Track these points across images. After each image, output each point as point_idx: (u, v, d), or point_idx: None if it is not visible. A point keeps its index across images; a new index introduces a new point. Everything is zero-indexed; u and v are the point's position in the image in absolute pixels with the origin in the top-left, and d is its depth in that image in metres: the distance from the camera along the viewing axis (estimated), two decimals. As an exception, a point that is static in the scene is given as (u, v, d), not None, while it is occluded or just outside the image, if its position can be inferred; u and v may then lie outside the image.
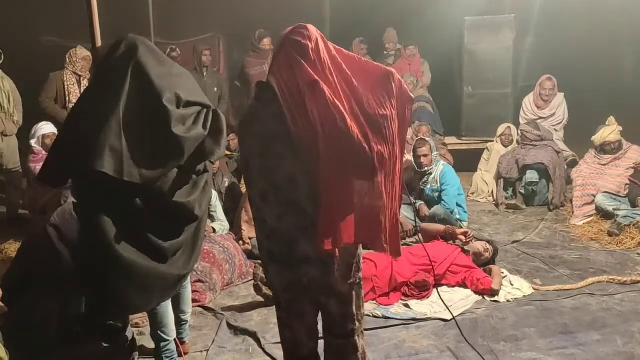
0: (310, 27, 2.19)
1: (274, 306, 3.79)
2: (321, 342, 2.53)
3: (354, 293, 2.39)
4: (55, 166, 2.44)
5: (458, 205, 5.44)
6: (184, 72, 2.63)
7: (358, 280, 2.40)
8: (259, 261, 4.60)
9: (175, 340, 3.11)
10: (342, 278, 2.32)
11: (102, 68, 2.46)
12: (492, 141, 6.97)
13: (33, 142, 5.25)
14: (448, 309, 3.20)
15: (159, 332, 3.03)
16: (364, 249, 2.42)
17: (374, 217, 2.22)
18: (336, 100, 2.09)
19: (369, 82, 2.21)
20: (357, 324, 2.44)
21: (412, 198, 5.17)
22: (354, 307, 2.40)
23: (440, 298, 3.03)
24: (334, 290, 2.34)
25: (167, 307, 3.05)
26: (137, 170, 2.24)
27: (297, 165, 2.17)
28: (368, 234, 2.25)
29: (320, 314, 2.49)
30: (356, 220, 2.19)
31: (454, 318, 3.34)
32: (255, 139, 2.26)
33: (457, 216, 5.35)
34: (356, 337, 2.44)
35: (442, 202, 5.34)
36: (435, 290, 3.96)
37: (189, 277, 3.26)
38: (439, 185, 5.44)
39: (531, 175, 6.15)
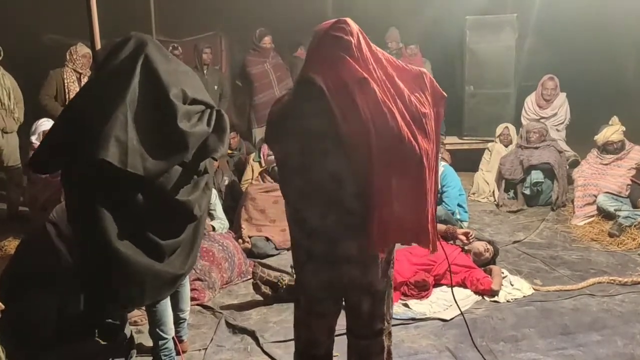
0: (350, 21, 2.16)
1: (273, 305, 3.85)
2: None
3: (388, 291, 2.39)
4: (48, 154, 2.43)
5: (459, 205, 5.43)
6: (190, 70, 2.65)
7: (391, 278, 2.41)
8: (258, 260, 4.62)
9: (173, 338, 3.10)
10: (380, 276, 2.31)
11: (109, 62, 2.45)
12: (494, 141, 6.96)
13: (34, 138, 5.24)
14: (457, 304, 3.08)
15: (157, 330, 3.03)
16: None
17: (421, 214, 2.20)
18: (385, 98, 2.07)
19: (405, 80, 2.19)
20: (386, 323, 2.42)
21: None
22: (385, 307, 2.39)
23: (454, 297, 2.94)
24: (371, 289, 2.32)
25: (166, 304, 3.04)
26: (141, 162, 2.24)
27: (343, 163, 2.13)
28: (415, 231, 2.23)
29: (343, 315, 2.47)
30: (405, 218, 2.17)
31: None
32: (295, 136, 2.20)
33: (458, 216, 5.34)
34: (383, 337, 2.42)
35: (443, 203, 5.32)
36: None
37: (187, 276, 3.26)
38: (440, 186, 5.43)
39: (537, 176, 6.15)
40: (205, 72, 6.81)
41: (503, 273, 4.23)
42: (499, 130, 6.89)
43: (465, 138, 7.71)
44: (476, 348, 3.24)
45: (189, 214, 2.45)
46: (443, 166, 5.52)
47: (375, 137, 2.05)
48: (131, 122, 2.24)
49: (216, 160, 2.64)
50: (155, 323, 3.02)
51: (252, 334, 3.52)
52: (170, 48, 6.75)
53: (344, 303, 2.45)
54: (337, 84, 2.09)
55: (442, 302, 3.86)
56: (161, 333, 3.03)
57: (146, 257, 2.35)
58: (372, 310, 2.36)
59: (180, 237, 2.47)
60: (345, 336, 2.51)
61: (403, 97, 2.13)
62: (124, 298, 2.47)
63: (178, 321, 3.25)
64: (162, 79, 2.34)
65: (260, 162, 5.89)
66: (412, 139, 2.09)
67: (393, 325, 3.50)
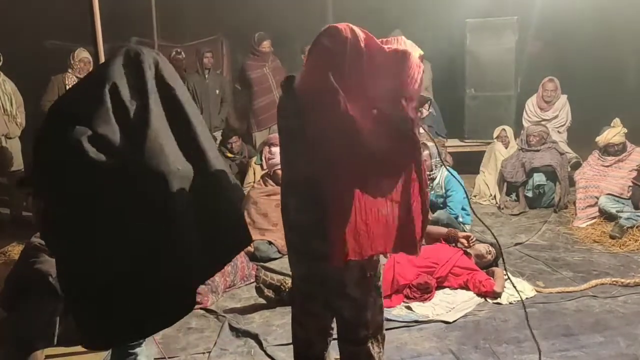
0: (342, 27, 2.15)
1: (276, 308, 3.85)
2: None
3: (369, 300, 2.39)
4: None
5: (462, 208, 5.43)
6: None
7: (375, 288, 2.40)
8: (261, 263, 4.64)
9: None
10: (355, 283, 2.33)
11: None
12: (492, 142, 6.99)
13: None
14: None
15: None
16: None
17: (390, 225, 2.22)
18: (352, 109, 2.07)
19: (387, 76, 2.15)
20: (371, 331, 2.42)
21: None
22: (369, 314, 2.39)
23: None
24: (347, 295, 2.34)
25: None
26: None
27: (313, 165, 2.17)
28: (381, 242, 2.24)
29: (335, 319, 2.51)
30: (370, 230, 2.19)
31: (458, 318, 3.29)
32: (282, 132, 2.35)
33: (461, 219, 5.33)
34: (369, 345, 2.43)
35: (447, 207, 5.33)
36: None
37: None
38: (443, 191, 5.43)
39: (539, 178, 6.18)
40: (206, 76, 6.83)
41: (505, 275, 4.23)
42: (496, 132, 6.94)
43: (466, 140, 7.73)
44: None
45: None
46: (446, 170, 5.52)
47: (336, 146, 2.09)
48: None
49: None
50: None
51: (255, 337, 3.53)
52: (174, 53, 6.81)
53: None
54: (310, 88, 2.16)
55: (444, 305, 3.86)
56: None
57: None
58: (354, 317, 2.39)
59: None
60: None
61: (379, 104, 2.11)
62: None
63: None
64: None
65: (261, 165, 5.90)
66: (382, 148, 2.09)
67: (395, 328, 3.56)
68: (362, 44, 2.13)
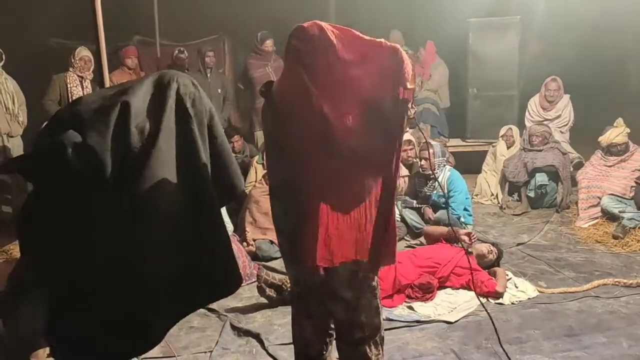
0: (308, 26, 2.15)
1: (278, 308, 3.85)
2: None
3: (363, 301, 2.37)
4: None
5: (464, 209, 5.42)
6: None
7: (369, 289, 2.38)
8: (263, 263, 4.63)
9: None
10: (345, 285, 2.31)
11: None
12: (497, 142, 6.97)
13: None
14: (481, 299, 2.93)
15: None
16: None
17: (363, 232, 2.20)
18: (327, 108, 2.04)
19: (373, 69, 2.10)
20: (367, 333, 2.41)
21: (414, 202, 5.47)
22: (363, 316, 2.38)
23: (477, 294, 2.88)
24: (338, 296, 2.33)
25: None
26: None
27: (290, 169, 2.18)
28: (354, 250, 2.23)
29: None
30: (342, 236, 2.17)
31: (460, 318, 3.28)
32: (264, 138, 2.40)
33: (462, 219, 5.33)
34: (366, 347, 2.42)
35: (450, 208, 5.32)
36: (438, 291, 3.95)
37: None
38: (446, 191, 5.42)
39: (541, 178, 6.18)
40: (208, 75, 6.83)
41: (507, 275, 4.22)
42: (502, 131, 6.92)
43: (468, 140, 7.73)
44: (498, 347, 3.23)
45: None
46: (449, 170, 5.52)
47: (310, 146, 2.07)
48: None
49: None
50: None
51: (257, 337, 3.52)
52: (176, 52, 6.82)
53: None
54: (285, 91, 2.16)
55: (446, 305, 3.86)
56: None
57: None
58: (349, 318, 2.38)
59: None
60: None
61: (357, 101, 2.07)
62: None
63: None
64: None
65: (263, 165, 5.89)
66: (361, 146, 2.05)
67: (397, 328, 3.56)
68: (332, 37, 2.08)
